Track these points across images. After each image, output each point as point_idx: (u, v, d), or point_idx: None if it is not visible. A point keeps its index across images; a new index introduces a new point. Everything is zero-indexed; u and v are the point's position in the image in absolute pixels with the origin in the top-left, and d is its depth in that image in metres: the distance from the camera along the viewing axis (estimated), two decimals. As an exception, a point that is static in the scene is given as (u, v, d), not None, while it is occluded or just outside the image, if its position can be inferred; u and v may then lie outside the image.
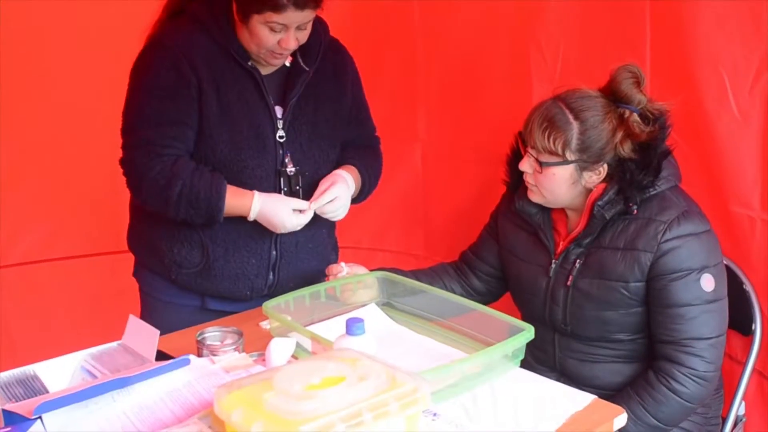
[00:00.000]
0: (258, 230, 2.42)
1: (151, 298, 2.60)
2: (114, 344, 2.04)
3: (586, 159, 2.21)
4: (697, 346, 2.17)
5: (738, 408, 2.48)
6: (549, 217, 2.40)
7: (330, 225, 2.61)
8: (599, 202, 2.23)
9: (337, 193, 2.42)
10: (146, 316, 2.56)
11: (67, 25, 3.31)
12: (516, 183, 2.44)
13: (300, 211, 2.39)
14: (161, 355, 1.97)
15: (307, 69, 2.43)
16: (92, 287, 3.55)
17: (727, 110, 2.48)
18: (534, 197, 2.33)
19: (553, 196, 2.29)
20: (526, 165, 2.29)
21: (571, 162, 2.21)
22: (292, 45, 2.29)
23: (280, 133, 2.42)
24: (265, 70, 2.42)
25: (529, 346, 2.02)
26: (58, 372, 1.93)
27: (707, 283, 2.18)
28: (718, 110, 2.50)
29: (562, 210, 2.37)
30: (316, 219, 2.44)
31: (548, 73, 2.94)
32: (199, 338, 2.01)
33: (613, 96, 2.25)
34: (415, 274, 2.54)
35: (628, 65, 2.25)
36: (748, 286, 2.50)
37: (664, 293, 2.19)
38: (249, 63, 2.36)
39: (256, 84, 2.39)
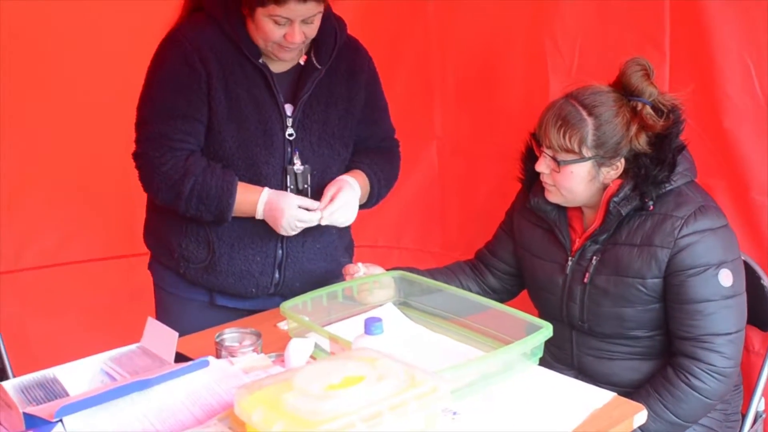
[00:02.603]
0: (264, 228, 2.42)
1: (163, 291, 2.63)
2: (133, 347, 2.04)
3: (603, 154, 2.21)
4: (716, 342, 2.16)
5: (758, 404, 2.47)
6: (565, 215, 2.39)
7: (339, 227, 2.57)
8: (615, 199, 2.23)
9: (346, 199, 2.41)
10: (159, 309, 2.62)
11: (78, 26, 3.31)
12: (531, 180, 2.44)
13: (306, 209, 2.38)
14: (180, 357, 1.97)
15: (319, 67, 2.43)
16: (108, 290, 3.56)
17: (753, 97, 2.48)
18: (552, 197, 2.33)
19: (572, 195, 2.28)
20: (542, 166, 2.29)
21: (589, 158, 2.21)
22: (298, 39, 2.29)
23: (290, 131, 2.42)
24: (277, 68, 2.42)
25: (547, 343, 2.02)
26: (78, 375, 1.93)
27: (725, 278, 2.17)
28: (743, 98, 2.49)
29: (578, 207, 2.37)
30: None
31: (565, 68, 2.93)
32: (217, 340, 2.02)
33: (624, 90, 2.24)
34: (432, 273, 2.54)
35: (637, 58, 2.25)
36: (765, 282, 2.48)
37: (681, 289, 2.19)
38: (260, 60, 2.37)
39: (266, 81, 2.39)
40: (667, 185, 2.22)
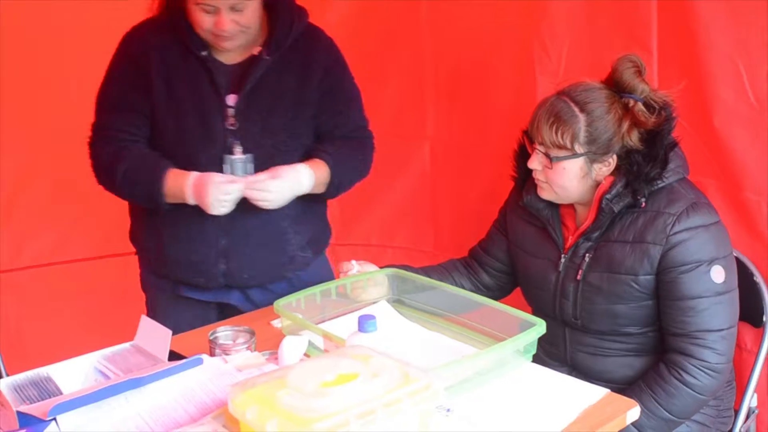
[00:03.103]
0: (203, 216, 2.42)
1: (144, 281, 2.71)
2: (126, 345, 2.05)
3: (595, 151, 2.21)
4: (709, 338, 2.17)
5: (750, 400, 2.47)
6: (557, 212, 2.39)
7: (293, 219, 2.57)
8: (607, 196, 2.23)
9: (276, 186, 2.39)
10: (146, 301, 2.73)
11: (75, 27, 3.32)
12: (524, 178, 2.44)
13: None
14: (174, 355, 1.98)
15: (266, 58, 2.45)
16: (103, 289, 3.57)
17: (743, 98, 2.48)
18: (545, 194, 2.33)
19: (565, 191, 2.29)
20: (535, 162, 2.29)
21: (581, 155, 2.21)
22: (228, 27, 2.33)
23: (231, 121, 2.44)
24: (229, 59, 2.46)
25: (540, 340, 2.02)
26: (72, 373, 1.94)
27: (717, 274, 2.18)
28: (734, 98, 2.49)
29: (571, 204, 2.37)
30: (269, 210, 2.43)
31: (552, 69, 2.94)
32: (211, 338, 2.02)
33: (615, 86, 2.25)
34: (425, 271, 2.54)
35: (629, 55, 2.25)
36: (758, 278, 2.49)
37: (674, 286, 2.19)
38: (204, 52, 2.41)
39: (208, 73, 2.43)
40: (659, 182, 2.22)
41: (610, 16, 2.77)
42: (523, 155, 2.40)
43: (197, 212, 2.41)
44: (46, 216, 3.52)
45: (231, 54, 2.45)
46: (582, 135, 2.20)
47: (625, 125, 2.21)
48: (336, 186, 2.56)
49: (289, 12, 2.47)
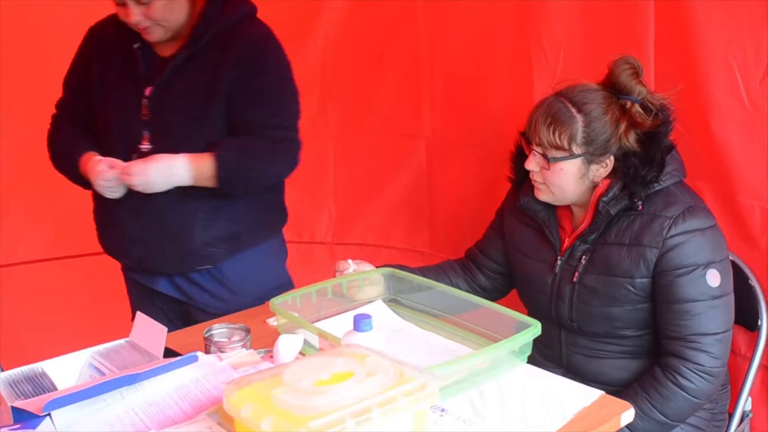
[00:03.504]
0: (116, 201, 2.50)
1: None
2: (122, 341, 2.05)
3: (593, 152, 2.21)
4: (704, 342, 2.17)
5: (744, 403, 2.48)
6: (554, 214, 2.40)
7: (203, 214, 2.54)
8: (604, 198, 2.23)
9: (133, 170, 2.40)
10: None
11: (74, 26, 3.31)
12: (521, 180, 2.44)
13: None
14: (169, 352, 1.98)
15: (184, 52, 2.49)
16: (98, 285, 3.55)
17: (738, 101, 2.47)
18: (542, 196, 2.33)
19: (562, 193, 2.29)
20: (532, 163, 2.29)
21: (578, 155, 2.21)
22: (134, 19, 2.40)
23: (145, 111, 2.49)
24: (164, 51, 2.52)
25: (536, 342, 2.02)
26: (67, 369, 1.94)
27: (713, 278, 2.18)
28: (728, 102, 2.48)
29: (567, 206, 2.37)
30: (170, 201, 2.48)
31: (549, 70, 2.93)
32: (206, 335, 2.02)
33: (613, 88, 2.25)
34: (422, 271, 2.54)
35: (626, 57, 2.26)
36: (754, 282, 2.49)
37: (670, 289, 2.19)
38: (136, 45, 2.49)
39: (135, 64, 2.50)
40: (655, 185, 2.22)
41: (607, 18, 2.77)
42: (520, 157, 2.40)
43: (103, 196, 2.51)
44: (42, 212, 3.52)
45: (166, 46, 2.51)
46: (579, 136, 2.20)
47: (623, 126, 2.21)
48: (226, 181, 2.47)
49: (218, 6, 2.49)
